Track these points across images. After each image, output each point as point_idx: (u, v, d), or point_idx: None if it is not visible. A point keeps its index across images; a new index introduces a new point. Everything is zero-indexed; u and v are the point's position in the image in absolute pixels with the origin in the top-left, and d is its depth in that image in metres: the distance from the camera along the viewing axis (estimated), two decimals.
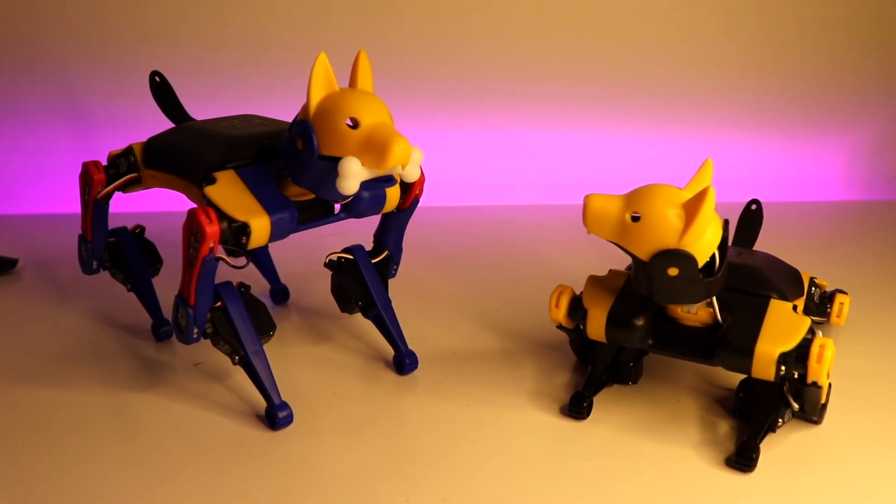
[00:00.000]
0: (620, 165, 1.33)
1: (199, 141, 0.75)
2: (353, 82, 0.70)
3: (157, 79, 0.88)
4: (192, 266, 0.67)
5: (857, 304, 0.89)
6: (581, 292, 0.75)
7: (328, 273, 0.81)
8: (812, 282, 0.83)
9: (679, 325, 0.71)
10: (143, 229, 0.86)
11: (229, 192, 0.69)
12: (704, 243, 0.65)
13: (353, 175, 0.63)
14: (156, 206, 1.13)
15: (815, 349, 0.66)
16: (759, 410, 0.70)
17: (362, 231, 0.89)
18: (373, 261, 0.82)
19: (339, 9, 1.19)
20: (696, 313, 0.70)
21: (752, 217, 0.89)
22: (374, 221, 0.82)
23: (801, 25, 1.29)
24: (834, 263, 1.06)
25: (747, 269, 0.74)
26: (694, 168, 0.69)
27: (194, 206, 0.70)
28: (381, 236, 0.84)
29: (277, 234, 0.69)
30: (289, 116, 1.29)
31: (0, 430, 0.70)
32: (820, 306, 0.84)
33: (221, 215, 0.67)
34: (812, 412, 0.71)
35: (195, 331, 0.69)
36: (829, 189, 1.40)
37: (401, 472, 0.66)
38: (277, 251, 0.95)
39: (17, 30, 1.14)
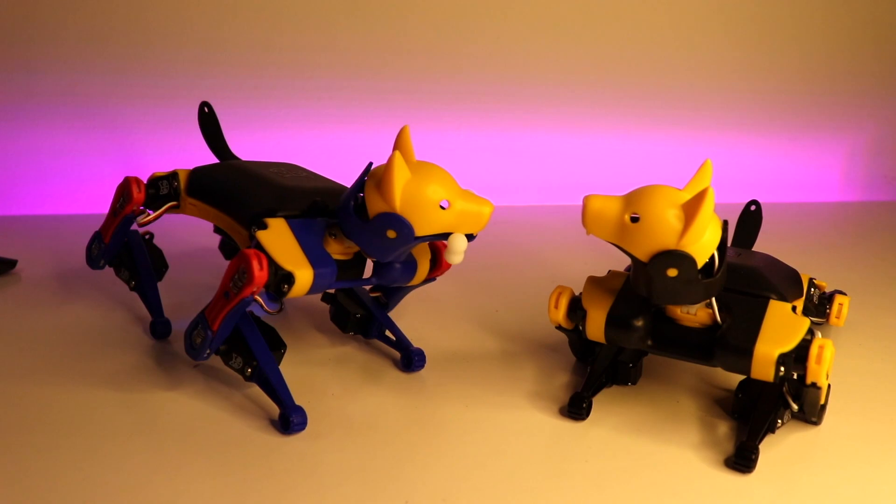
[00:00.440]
0: (620, 166, 1.33)
1: (251, 183, 0.78)
2: (401, 152, 0.71)
3: (206, 109, 0.92)
4: (227, 298, 0.68)
5: (856, 305, 0.89)
6: (580, 293, 0.75)
7: None
8: (811, 282, 0.83)
9: (678, 326, 0.71)
10: (152, 236, 0.87)
11: (278, 240, 0.71)
12: (704, 244, 0.65)
13: (461, 249, 0.70)
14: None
15: (814, 350, 0.66)
16: (759, 411, 0.70)
17: None
18: (371, 295, 0.85)
19: (339, 10, 1.19)
20: (696, 314, 0.70)
21: (751, 218, 0.89)
22: None
23: (800, 28, 1.30)
24: (833, 264, 1.06)
25: (746, 269, 0.74)
26: (693, 169, 0.69)
27: (217, 235, 0.72)
28: (385, 289, 0.86)
29: (317, 287, 0.71)
30: (290, 117, 1.29)
31: (0, 429, 0.70)
32: (819, 307, 0.84)
33: (269, 260, 0.69)
34: (811, 413, 0.71)
35: (207, 351, 0.71)
36: (828, 190, 1.40)
37: (400, 473, 0.66)
38: None
39: (17, 31, 1.14)
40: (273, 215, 0.73)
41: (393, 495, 0.63)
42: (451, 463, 0.67)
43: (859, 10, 1.29)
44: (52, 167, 1.21)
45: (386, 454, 0.68)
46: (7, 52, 1.15)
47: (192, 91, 1.18)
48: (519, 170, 1.32)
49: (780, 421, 0.70)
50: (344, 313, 0.83)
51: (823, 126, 1.36)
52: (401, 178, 0.67)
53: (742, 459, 0.66)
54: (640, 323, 0.71)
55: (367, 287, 0.85)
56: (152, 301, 0.85)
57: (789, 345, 0.66)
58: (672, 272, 0.65)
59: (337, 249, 0.73)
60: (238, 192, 0.78)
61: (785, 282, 0.76)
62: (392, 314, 0.83)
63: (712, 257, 0.66)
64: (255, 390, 0.73)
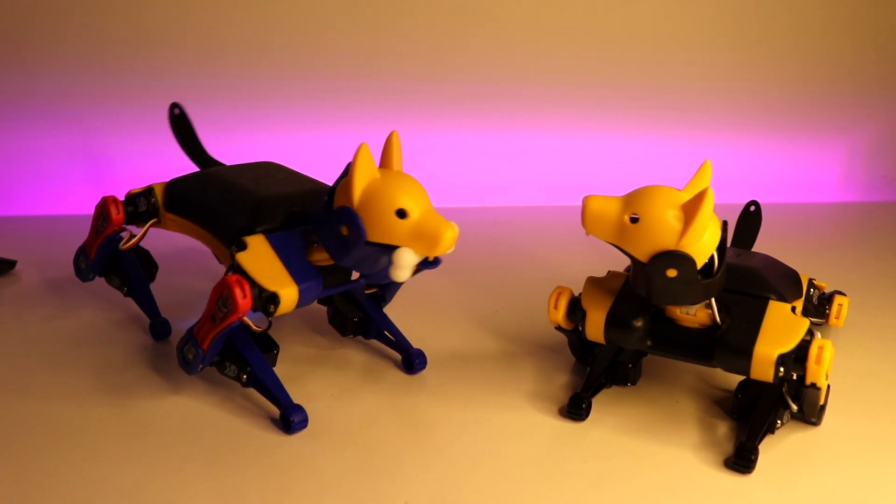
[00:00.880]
0: (619, 167, 1.33)
1: (228, 196, 0.76)
2: (386, 163, 0.70)
3: (177, 111, 0.88)
4: (214, 322, 0.68)
5: (855, 306, 0.89)
6: (580, 293, 0.75)
7: None
8: (811, 283, 0.83)
9: (678, 327, 0.71)
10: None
11: (259, 259, 0.69)
12: (703, 244, 0.65)
13: (407, 265, 0.66)
14: None
15: (813, 350, 0.66)
16: (758, 412, 0.70)
17: None
18: (366, 292, 0.83)
19: (339, 10, 1.19)
20: (695, 314, 0.70)
21: (750, 218, 0.89)
22: None
23: (799, 28, 1.30)
24: (832, 265, 1.06)
25: (746, 270, 0.74)
26: (693, 169, 0.69)
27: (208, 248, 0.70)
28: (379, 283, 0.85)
29: (304, 301, 0.70)
30: (288, 120, 1.29)
31: (0, 430, 0.70)
32: (818, 307, 0.84)
33: (252, 283, 0.67)
34: (811, 413, 0.71)
35: (200, 366, 0.71)
36: (827, 190, 1.40)
37: (400, 473, 0.66)
38: None
39: (16, 32, 1.14)
40: (252, 232, 0.71)
41: (392, 495, 0.63)
42: (450, 463, 0.67)
43: (859, 11, 1.29)
44: (52, 167, 1.21)
45: (385, 454, 0.68)
46: (7, 53, 1.15)
47: (193, 91, 1.18)
48: (518, 170, 1.32)
49: (779, 421, 0.70)
50: (342, 317, 0.83)
51: (823, 127, 1.36)
52: (364, 172, 0.66)
53: (741, 460, 0.66)
54: (639, 323, 0.71)
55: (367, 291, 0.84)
56: (147, 304, 0.85)
57: (789, 345, 0.66)
58: (671, 272, 0.65)
59: (321, 257, 0.71)
60: (215, 206, 0.76)
61: (784, 282, 0.76)
62: (391, 314, 0.83)
63: (712, 258, 0.66)
64: (256, 393, 0.73)
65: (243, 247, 0.70)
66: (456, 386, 0.78)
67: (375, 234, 0.66)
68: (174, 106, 0.88)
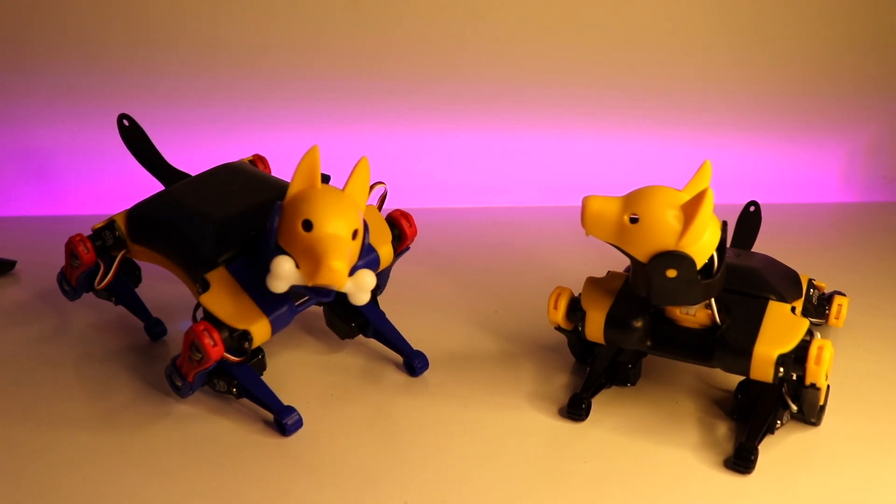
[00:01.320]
0: (619, 167, 1.33)
1: (187, 223, 0.73)
2: (344, 184, 0.67)
3: (126, 123, 0.85)
4: (192, 363, 0.67)
5: (855, 306, 0.89)
6: (580, 294, 0.75)
7: None
8: (810, 283, 0.83)
9: (677, 327, 0.71)
10: None
11: (224, 297, 0.67)
12: (703, 245, 0.65)
13: (282, 276, 0.62)
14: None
15: (813, 351, 0.66)
16: (758, 412, 0.70)
17: None
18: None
19: (338, 11, 1.19)
20: (695, 315, 0.70)
21: (750, 218, 0.89)
22: None
23: (799, 28, 1.30)
24: (832, 265, 1.06)
25: (746, 270, 0.74)
26: (692, 170, 0.69)
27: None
28: None
29: (278, 329, 0.69)
30: (288, 120, 1.29)
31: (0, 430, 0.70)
32: (818, 308, 0.84)
33: (220, 324, 0.66)
34: (810, 414, 0.71)
35: (189, 392, 0.71)
36: (827, 191, 1.40)
37: (399, 474, 0.66)
38: None
39: (15, 31, 1.14)
40: (213, 265, 0.69)
41: (392, 496, 0.63)
42: (450, 463, 0.67)
43: (859, 11, 1.29)
44: (52, 167, 1.21)
45: (385, 454, 0.68)
46: (7, 53, 1.15)
47: (192, 91, 1.18)
48: (518, 170, 1.32)
49: (779, 422, 0.70)
50: (339, 323, 0.82)
51: (822, 127, 1.36)
52: (302, 175, 0.65)
53: (741, 460, 0.66)
54: (639, 324, 0.71)
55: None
56: (137, 309, 0.84)
57: (788, 346, 0.66)
58: (671, 273, 0.65)
59: None
60: (175, 238, 0.74)
61: (784, 282, 0.76)
62: (390, 314, 0.83)
63: (711, 258, 0.66)
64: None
65: (206, 287, 0.68)
66: (456, 386, 0.78)
67: (282, 238, 0.64)
68: (123, 117, 0.85)
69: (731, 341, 0.68)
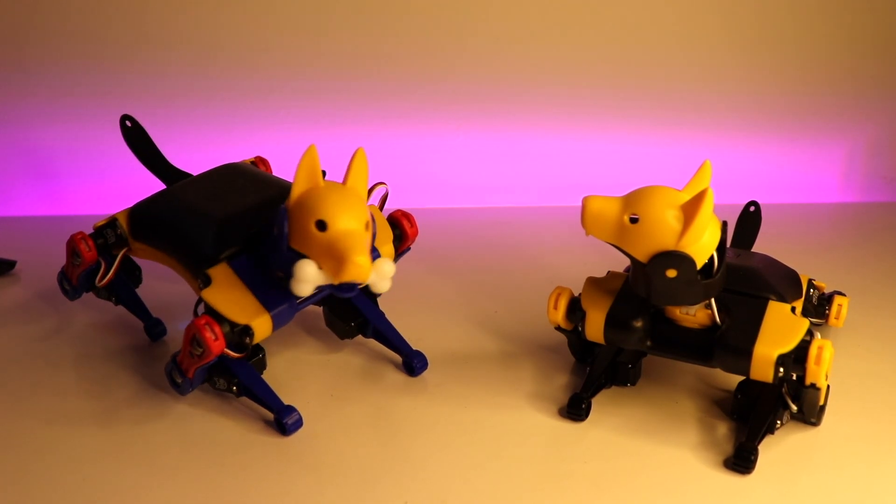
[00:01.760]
0: (619, 167, 1.33)
1: (189, 221, 0.74)
2: (344, 177, 0.67)
3: (129, 123, 0.85)
4: (193, 358, 0.67)
5: (855, 306, 0.89)
6: (580, 294, 0.75)
7: None
8: (810, 283, 0.83)
9: (677, 327, 0.71)
10: None
11: (226, 292, 0.68)
12: (703, 245, 0.65)
13: (307, 279, 0.62)
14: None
15: (813, 351, 0.66)
16: (758, 412, 0.70)
17: None
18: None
19: (338, 11, 1.19)
20: (695, 315, 0.70)
21: (750, 219, 0.89)
22: None
23: (799, 28, 1.30)
24: (832, 265, 1.06)
25: (746, 270, 0.74)
26: (692, 170, 0.69)
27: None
28: None
29: (279, 325, 0.69)
30: (287, 120, 1.29)
31: (0, 431, 0.70)
32: (818, 308, 0.84)
33: (222, 319, 0.66)
34: (810, 414, 0.71)
35: (189, 389, 0.71)
36: (827, 191, 1.40)
37: (399, 474, 0.66)
38: None
39: (14, 31, 1.14)
40: (215, 261, 0.70)
41: (392, 496, 0.63)
42: (450, 463, 0.67)
43: (858, 12, 1.29)
44: (53, 167, 1.21)
45: (385, 454, 0.68)
46: (7, 53, 1.15)
47: (193, 91, 1.18)
48: (518, 170, 1.32)
49: (779, 422, 0.70)
50: (338, 323, 0.81)
51: (822, 127, 1.36)
52: (304, 176, 0.64)
53: (741, 460, 0.66)
54: (639, 324, 0.71)
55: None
56: (137, 309, 0.84)
57: (788, 346, 0.66)
58: (671, 273, 0.65)
59: None
60: (177, 235, 0.74)
61: (784, 282, 0.76)
62: (389, 314, 0.83)
63: (711, 258, 0.66)
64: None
65: (208, 282, 0.68)
66: (456, 386, 0.78)
67: (295, 241, 0.64)
68: (125, 118, 0.85)
69: (731, 341, 0.68)
